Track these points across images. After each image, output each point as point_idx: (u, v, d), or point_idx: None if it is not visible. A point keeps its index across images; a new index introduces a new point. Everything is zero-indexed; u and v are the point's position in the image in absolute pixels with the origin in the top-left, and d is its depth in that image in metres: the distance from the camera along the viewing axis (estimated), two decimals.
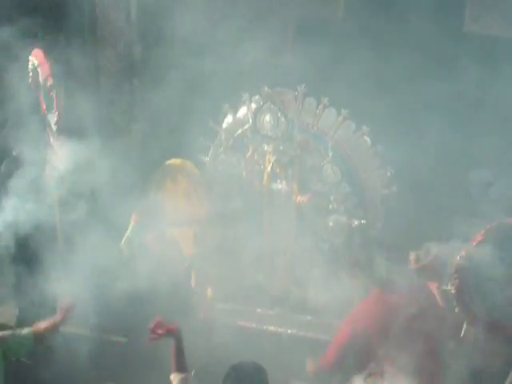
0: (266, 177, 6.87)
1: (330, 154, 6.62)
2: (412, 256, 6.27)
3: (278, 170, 6.82)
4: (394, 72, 7.80)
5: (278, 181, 6.87)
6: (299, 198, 6.79)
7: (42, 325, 5.97)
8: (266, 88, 6.66)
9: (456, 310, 5.96)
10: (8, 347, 5.81)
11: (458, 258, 6.04)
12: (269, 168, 6.83)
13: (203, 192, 7.16)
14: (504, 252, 5.98)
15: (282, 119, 6.61)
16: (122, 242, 7.02)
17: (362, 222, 6.70)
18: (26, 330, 5.91)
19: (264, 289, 7.02)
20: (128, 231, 7.02)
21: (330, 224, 6.76)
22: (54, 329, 6.06)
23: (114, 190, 7.27)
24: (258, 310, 6.96)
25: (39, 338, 5.96)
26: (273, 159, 6.78)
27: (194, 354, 6.53)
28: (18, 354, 5.96)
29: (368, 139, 6.69)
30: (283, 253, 6.97)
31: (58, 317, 6.05)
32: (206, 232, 7.09)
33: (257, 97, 6.79)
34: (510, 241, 6.00)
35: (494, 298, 5.97)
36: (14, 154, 7.79)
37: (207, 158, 7.14)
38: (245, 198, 7.04)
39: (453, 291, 5.97)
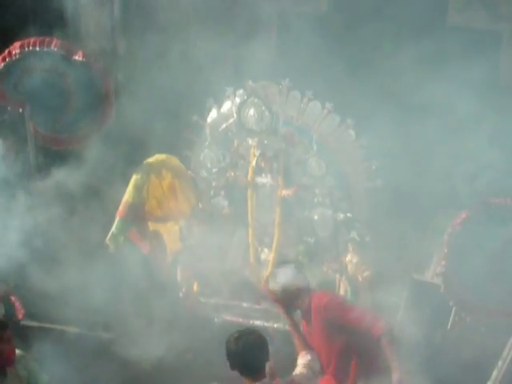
0: (250, 171, 6.87)
1: (315, 147, 6.62)
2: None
3: (262, 164, 6.81)
4: (378, 65, 7.80)
5: (263, 174, 6.86)
6: (284, 192, 6.77)
7: None
8: (250, 82, 6.65)
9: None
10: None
11: (445, 235, 6.10)
12: (254, 162, 6.82)
13: (188, 187, 7.14)
14: (488, 230, 6.07)
15: (267, 113, 6.60)
16: (107, 238, 6.99)
17: (348, 215, 6.70)
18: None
19: (250, 283, 7.00)
20: (113, 227, 7.00)
21: (316, 217, 6.76)
22: None
23: (101, 185, 7.30)
24: (245, 304, 6.95)
25: None
26: (257, 153, 6.77)
27: (180, 350, 6.56)
28: None
29: (352, 132, 6.69)
30: (269, 247, 6.96)
31: None
32: (191, 227, 7.07)
33: (241, 91, 6.77)
34: (493, 219, 6.08)
35: (479, 276, 6.04)
36: None
37: (192, 153, 7.12)
38: (230, 192, 7.03)
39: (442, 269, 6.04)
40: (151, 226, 7.20)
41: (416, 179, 7.64)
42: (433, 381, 5.53)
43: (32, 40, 7.27)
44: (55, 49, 7.27)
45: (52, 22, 8.51)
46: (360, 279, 6.63)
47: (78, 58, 7.32)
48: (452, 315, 6.62)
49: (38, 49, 7.26)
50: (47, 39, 7.32)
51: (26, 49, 7.24)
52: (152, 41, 8.27)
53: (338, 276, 6.76)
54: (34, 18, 8.51)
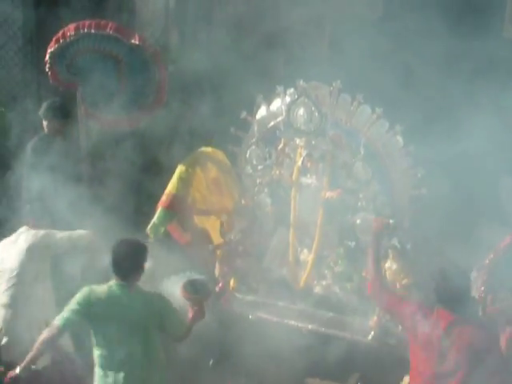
0: (296, 170, 6.84)
1: (362, 151, 6.56)
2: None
3: (308, 165, 6.78)
4: (430, 74, 7.75)
5: (308, 175, 6.84)
6: (328, 194, 6.73)
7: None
8: (301, 82, 6.63)
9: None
10: (169, 321, 5.72)
11: (487, 260, 6.01)
12: (299, 162, 6.79)
13: (232, 182, 7.15)
14: None
15: (316, 114, 6.55)
16: (148, 228, 6.99)
17: (390, 221, 6.66)
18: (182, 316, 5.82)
19: (287, 283, 6.99)
20: (155, 217, 7.00)
21: (358, 222, 6.70)
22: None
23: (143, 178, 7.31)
24: (280, 303, 6.94)
25: (189, 328, 5.84)
26: (304, 153, 6.74)
27: (212, 345, 6.57)
28: (174, 334, 5.81)
29: (400, 139, 6.65)
30: (309, 248, 6.94)
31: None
32: (232, 222, 7.07)
33: (291, 90, 6.75)
34: None
35: None
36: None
37: (239, 149, 7.12)
38: (274, 190, 7.02)
39: (481, 293, 5.95)
40: (196, 219, 7.22)
41: (460, 189, 7.61)
42: None
43: (87, 22, 7.31)
44: (111, 32, 7.30)
45: (106, 10, 8.58)
46: (398, 286, 6.59)
47: (134, 41, 7.35)
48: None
49: (92, 31, 7.30)
50: (103, 22, 7.36)
51: (81, 31, 7.28)
52: (205, 33, 8.30)
53: None
54: (89, 5, 8.57)
